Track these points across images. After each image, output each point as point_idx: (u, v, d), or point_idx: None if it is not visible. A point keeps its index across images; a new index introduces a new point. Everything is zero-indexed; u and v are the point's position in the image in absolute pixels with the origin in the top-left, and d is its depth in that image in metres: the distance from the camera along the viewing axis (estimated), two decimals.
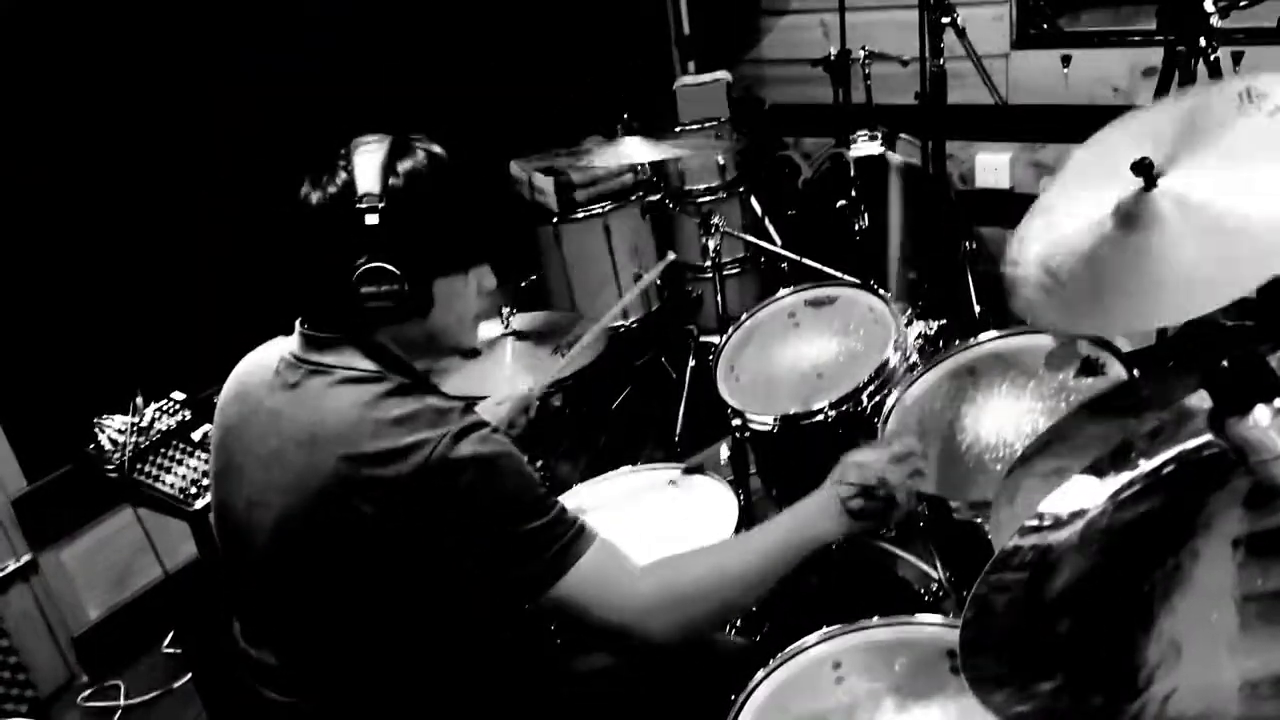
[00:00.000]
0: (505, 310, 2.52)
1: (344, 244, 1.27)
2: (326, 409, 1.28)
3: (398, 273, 1.27)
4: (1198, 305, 1.23)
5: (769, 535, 1.43)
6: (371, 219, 1.26)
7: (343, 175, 1.29)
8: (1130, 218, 1.37)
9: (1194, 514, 0.86)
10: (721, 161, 3.40)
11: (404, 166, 1.30)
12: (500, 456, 1.26)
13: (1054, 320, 1.41)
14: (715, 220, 2.51)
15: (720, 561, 1.40)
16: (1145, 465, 0.89)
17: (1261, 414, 0.84)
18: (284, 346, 1.38)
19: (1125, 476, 0.89)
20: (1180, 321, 1.30)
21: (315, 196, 1.29)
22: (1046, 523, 0.89)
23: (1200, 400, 0.89)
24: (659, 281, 3.42)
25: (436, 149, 1.35)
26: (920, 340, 2.06)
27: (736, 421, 2.02)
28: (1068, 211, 1.48)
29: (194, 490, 2.06)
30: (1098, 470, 0.90)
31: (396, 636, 1.31)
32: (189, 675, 2.60)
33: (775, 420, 1.95)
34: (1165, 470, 0.89)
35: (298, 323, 1.38)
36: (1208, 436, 0.88)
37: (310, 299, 1.36)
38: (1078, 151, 1.57)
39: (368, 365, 1.31)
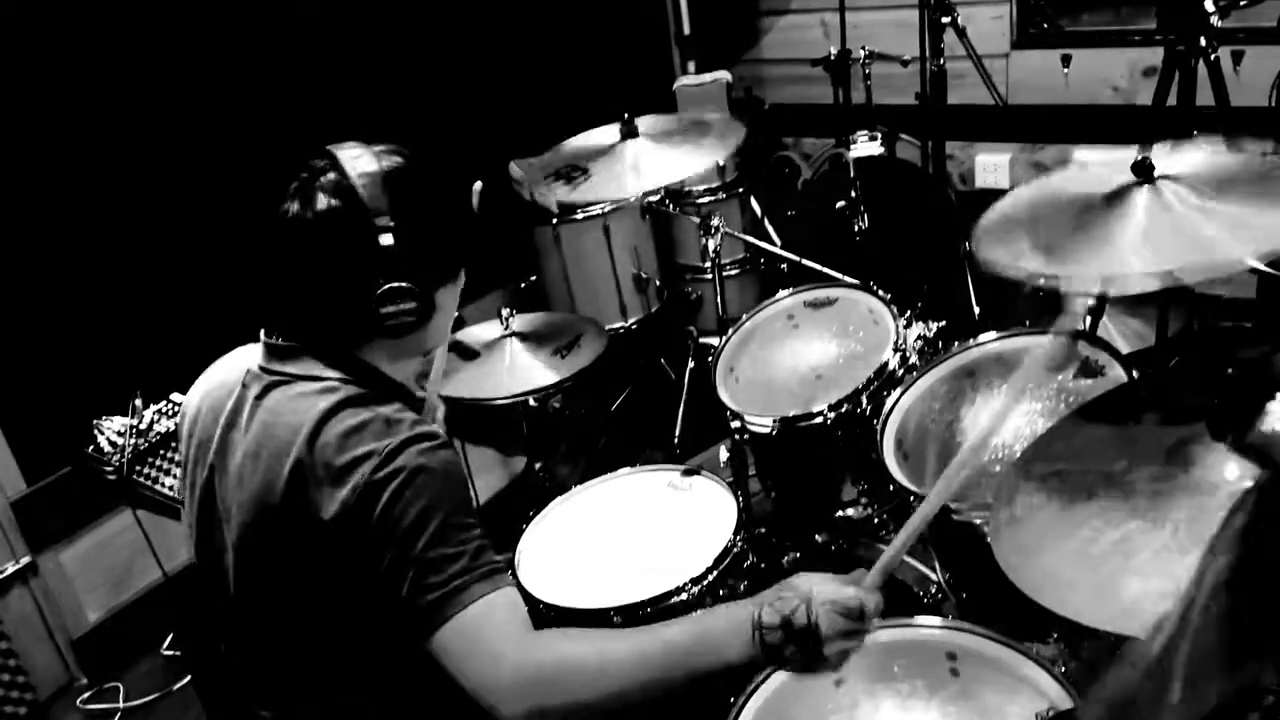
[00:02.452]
0: (505, 311, 2.51)
1: (359, 265, 1.23)
2: (283, 423, 1.25)
3: (418, 290, 1.25)
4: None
5: (661, 639, 1.24)
6: (386, 239, 1.22)
7: (340, 192, 1.23)
8: (1119, 199, 1.39)
9: None
10: (721, 162, 3.40)
11: (400, 179, 1.26)
12: (431, 471, 1.20)
13: (1000, 257, 1.42)
14: (715, 221, 2.51)
15: (600, 653, 1.22)
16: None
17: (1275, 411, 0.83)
18: (250, 358, 1.35)
19: None
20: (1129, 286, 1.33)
21: (311, 213, 1.22)
22: None
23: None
24: (659, 282, 3.42)
25: (409, 155, 1.31)
26: (920, 342, 2.05)
27: (735, 423, 2.02)
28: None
29: None
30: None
31: (363, 652, 1.29)
32: (188, 677, 2.60)
33: (774, 422, 1.94)
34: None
35: (262, 332, 1.34)
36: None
37: (291, 312, 1.30)
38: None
39: (330, 373, 1.28)
